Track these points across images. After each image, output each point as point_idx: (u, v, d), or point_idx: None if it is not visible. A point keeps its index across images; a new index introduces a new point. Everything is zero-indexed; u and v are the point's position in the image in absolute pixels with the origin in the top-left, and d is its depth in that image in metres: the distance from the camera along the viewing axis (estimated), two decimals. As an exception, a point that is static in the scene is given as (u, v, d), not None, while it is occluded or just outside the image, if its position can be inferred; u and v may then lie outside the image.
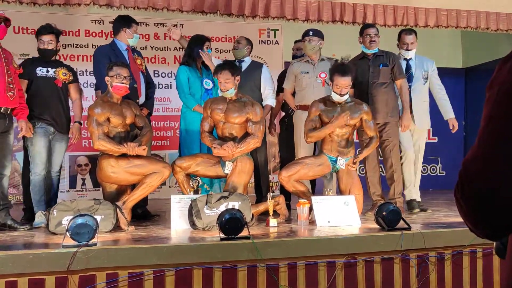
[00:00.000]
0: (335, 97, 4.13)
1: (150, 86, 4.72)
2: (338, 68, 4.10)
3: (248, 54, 5.01)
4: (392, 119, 4.60)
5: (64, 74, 4.33)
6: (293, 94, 4.93)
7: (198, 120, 4.53)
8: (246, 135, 4.14)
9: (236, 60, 4.92)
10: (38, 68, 4.25)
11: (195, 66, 4.70)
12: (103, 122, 3.86)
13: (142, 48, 6.39)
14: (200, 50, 4.68)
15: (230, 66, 4.18)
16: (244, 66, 4.92)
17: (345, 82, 4.07)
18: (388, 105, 4.58)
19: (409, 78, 4.75)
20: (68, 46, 6.45)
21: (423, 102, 4.78)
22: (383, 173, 4.85)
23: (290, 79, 4.93)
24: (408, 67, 4.79)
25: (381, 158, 4.79)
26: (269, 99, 4.90)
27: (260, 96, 4.87)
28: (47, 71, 4.27)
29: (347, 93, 4.12)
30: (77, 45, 6.62)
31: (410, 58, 4.81)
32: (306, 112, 4.63)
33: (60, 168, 4.40)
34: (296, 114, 4.88)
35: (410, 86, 4.69)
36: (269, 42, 7.27)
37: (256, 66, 5.01)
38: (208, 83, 4.66)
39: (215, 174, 4.17)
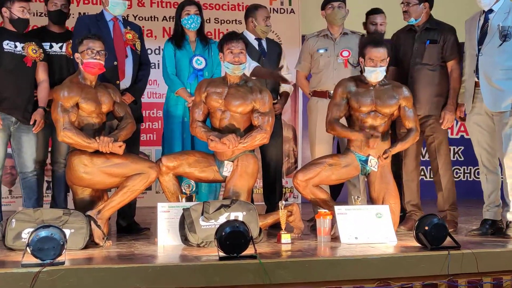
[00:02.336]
0: (369, 75, 4.11)
1: (143, 68, 4.65)
2: (370, 39, 4.12)
3: None
4: (438, 111, 4.48)
5: (34, 51, 4.30)
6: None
7: (181, 108, 4.54)
8: (251, 128, 4.13)
9: (259, 39, 4.88)
10: (5, 42, 4.23)
11: (186, 39, 4.67)
12: (70, 109, 3.85)
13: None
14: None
15: (242, 36, 4.20)
16: (264, 45, 4.93)
17: (380, 55, 4.06)
18: (433, 93, 4.48)
19: (481, 38, 4.22)
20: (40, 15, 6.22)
21: (498, 71, 4.14)
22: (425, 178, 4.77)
23: (304, 59, 4.93)
24: (486, 20, 4.24)
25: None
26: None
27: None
28: (15, 46, 4.25)
29: (384, 69, 4.10)
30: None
31: (490, 10, 4.21)
32: (323, 99, 4.67)
33: (37, 166, 4.33)
34: (311, 102, 4.89)
35: (479, 50, 4.19)
36: (282, 11, 7.20)
37: (275, 46, 5.03)
38: (199, 62, 4.63)
39: (213, 177, 4.17)
